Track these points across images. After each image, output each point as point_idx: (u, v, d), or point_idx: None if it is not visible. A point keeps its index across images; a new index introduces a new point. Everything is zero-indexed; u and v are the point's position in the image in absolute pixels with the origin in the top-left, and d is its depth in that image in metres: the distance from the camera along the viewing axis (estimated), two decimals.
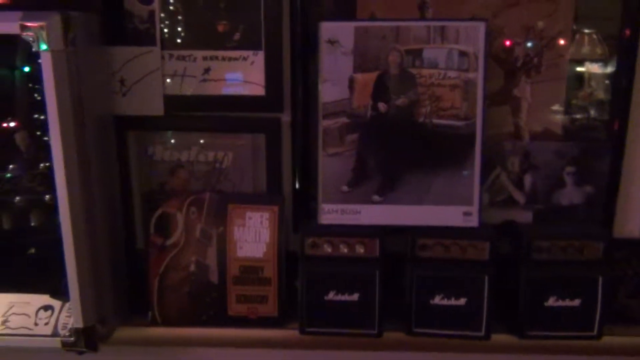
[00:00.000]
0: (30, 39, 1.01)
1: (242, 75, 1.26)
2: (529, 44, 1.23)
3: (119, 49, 1.25)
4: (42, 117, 1.12)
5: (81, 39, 1.10)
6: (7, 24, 1.00)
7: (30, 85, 1.13)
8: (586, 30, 1.24)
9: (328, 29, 1.21)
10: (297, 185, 1.30)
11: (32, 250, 1.22)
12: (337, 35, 1.21)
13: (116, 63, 1.26)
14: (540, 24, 1.22)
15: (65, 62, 1.04)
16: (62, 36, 1.03)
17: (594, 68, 1.27)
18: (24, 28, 1.00)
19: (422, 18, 1.21)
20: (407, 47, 1.20)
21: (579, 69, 1.26)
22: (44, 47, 0.99)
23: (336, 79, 1.22)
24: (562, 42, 1.24)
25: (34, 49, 0.99)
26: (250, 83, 1.27)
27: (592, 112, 1.28)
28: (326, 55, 1.21)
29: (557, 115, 1.28)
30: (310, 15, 1.21)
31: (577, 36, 1.24)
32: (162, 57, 1.25)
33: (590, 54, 1.26)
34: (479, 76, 1.20)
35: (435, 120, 1.23)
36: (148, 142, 1.32)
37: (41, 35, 1.01)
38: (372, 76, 1.22)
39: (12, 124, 1.16)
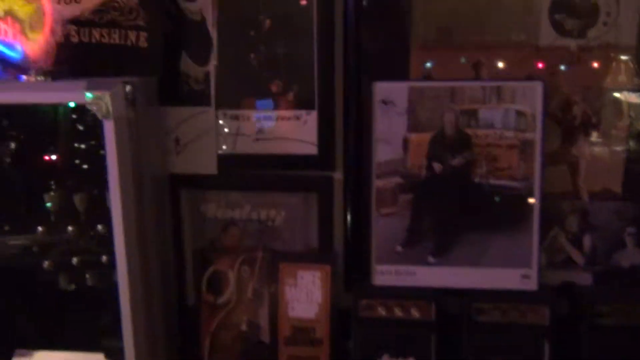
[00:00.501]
0: (95, 107, 1.03)
1: (295, 134, 1.28)
2: (587, 103, 1.22)
3: (174, 110, 1.27)
4: (101, 179, 1.15)
5: (140, 102, 1.13)
6: (72, 94, 1.03)
7: (91, 148, 1.16)
8: None
9: (382, 89, 1.20)
10: (349, 244, 1.29)
11: (87, 310, 1.23)
12: (391, 96, 1.20)
13: (171, 123, 1.27)
14: (599, 82, 1.22)
15: (127, 128, 1.05)
16: (125, 104, 1.05)
17: None
18: (88, 98, 1.02)
19: (477, 78, 1.20)
20: (462, 107, 1.18)
21: None
22: (107, 115, 1.01)
23: (390, 138, 1.20)
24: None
25: (98, 117, 1.02)
26: (303, 142, 1.27)
27: None
28: (380, 115, 1.20)
29: (616, 175, 1.25)
30: (364, 76, 1.22)
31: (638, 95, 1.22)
32: (217, 117, 1.28)
33: None
34: (537, 136, 1.17)
35: (492, 181, 1.19)
36: (201, 200, 1.32)
37: (105, 104, 1.03)
38: (426, 136, 1.20)
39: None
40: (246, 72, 1.24)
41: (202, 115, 1.27)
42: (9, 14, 1.16)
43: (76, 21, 1.18)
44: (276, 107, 1.24)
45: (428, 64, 1.20)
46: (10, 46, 1.18)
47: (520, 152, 1.18)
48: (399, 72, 1.20)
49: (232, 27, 1.22)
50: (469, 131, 1.18)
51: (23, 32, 1.17)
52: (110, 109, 1.01)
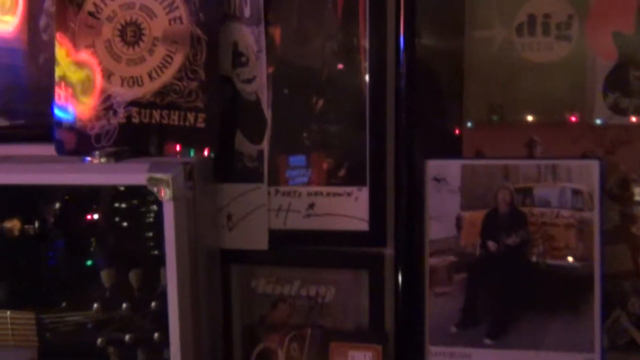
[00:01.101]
0: (156, 189, 1.05)
1: (346, 211, 1.27)
2: None
3: (228, 186, 1.28)
4: (157, 256, 1.15)
5: (198, 181, 1.15)
6: (134, 176, 1.05)
7: (148, 228, 1.18)
8: None
9: (434, 167, 1.20)
10: (401, 324, 1.24)
11: None
12: (443, 173, 1.19)
13: (224, 199, 1.28)
14: None
15: (185, 208, 1.07)
16: (184, 185, 1.07)
17: None
18: (150, 180, 1.05)
19: (531, 156, 1.19)
20: (516, 186, 1.16)
21: None
22: (168, 197, 1.03)
23: (443, 216, 1.19)
24: None
25: (158, 199, 1.04)
26: (354, 218, 1.26)
27: None
28: (432, 193, 1.19)
29: None
30: (416, 153, 1.23)
31: None
32: (269, 193, 1.30)
33: None
34: (595, 215, 1.14)
35: (549, 261, 1.15)
36: (251, 276, 1.31)
37: (166, 187, 1.05)
38: (480, 214, 1.18)
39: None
40: (299, 149, 1.26)
41: (255, 191, 1.28)
42: (63, 79, 1.24)
43: (138, 103, 1.24)
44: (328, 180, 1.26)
45: (480, 142, 1.22)
46: (63, 109, 1.25)
47: (578, 232, 1.14)
48: (451, 150, 1.20)
49: (286, 107, 1.26)
50: (524, 209, 1.16)
51: (75, 96, 1.24)
52: (171, 191, 1.03)
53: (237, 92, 1.25)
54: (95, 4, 1.25)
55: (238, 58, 1.25)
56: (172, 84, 1.22)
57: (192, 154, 1.20)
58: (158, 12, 1.23)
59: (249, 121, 1.26)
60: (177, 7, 1.22)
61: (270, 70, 1.24)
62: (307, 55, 1.23)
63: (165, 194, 1.04)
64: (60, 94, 1.25)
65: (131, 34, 1.23)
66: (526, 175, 1.16)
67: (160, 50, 1.22)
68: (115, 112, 1.25)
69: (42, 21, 1.34)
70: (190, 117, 1.22)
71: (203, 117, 1.21)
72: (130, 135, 1.24)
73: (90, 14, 1.25)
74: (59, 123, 1.25)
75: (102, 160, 1.12)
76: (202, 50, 1.21)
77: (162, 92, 1.22)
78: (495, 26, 1.19)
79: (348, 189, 1.26)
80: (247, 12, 1.23)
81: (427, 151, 1.19)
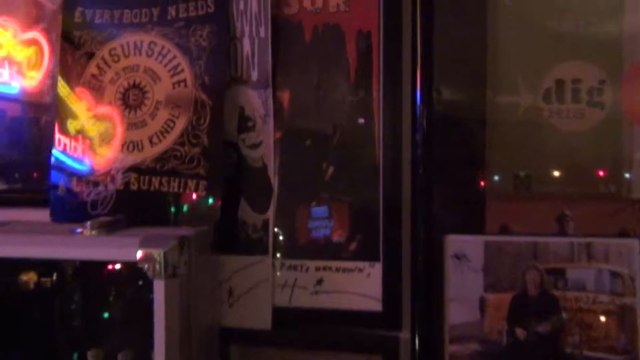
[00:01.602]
0: (146, 266, 0.97)
1: (358, 288, 1.16)
2: None
3: (229, 258, 1.18)
4: (147, 335, 1.05)
5: (194, 255, 1.05)
6: (124, 251, 0.95)
7: (138, 303, 1.09)
8: None
9: (454, 242, 1.08)
10: None
11: None
12: (464, 250, 1.08)
13: (225, 272, 1.18)
14: None
15: (178, 286, 0.97)
16: (178, 261, 0.98)
17: None
18: (140, 256, 0.96)
19: (563, 233, 1.08)
20: (547, 266, 1.04)
21: None
22: (158, 276, 0.93)
23: (464, 298, 1.06)
24: None
25: (149, 277, 0.95)
26: (366, 297, 1.13)
27: None
28: (453, 272, 1.07)
29: None
30: (434, 227, 1.12)
31: None
32: (273, 267, 1.19)
33: None
34: (638, 302, 1.02)
35: (587, 353, 1.01)
36: (252, 358, 1.20)
37: (158, 264, 0.96)
38: (506, 297, 1.05)
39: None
40: (306, 220, 1.16)
41: (258, 264, 1.18)
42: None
43: (137, 169, 1.17)
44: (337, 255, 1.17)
45: (505, 215, 1.11)
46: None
47: (618, 320, 1.00)
48: (473, 224, 1.09)
49: (294, 174, 1.17)
50: (557, 293, 1.03)
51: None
52: (163, 269, 0.94)
53: (243, 158, 1.18)
54: (98, 66, 1.21)
55: (244, 123, 1.18)
56: (173, 150, 1.14)
57: (211, 201, 1.12)
58: (162, 75, 1.16)
59: (254, 189, 1.17)
60: (182, 70, 1.16)
61: (278, 135, 1.16)
62: (317, 119, 1.15)
63: (156, 271, 0.95)
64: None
65: (133, 97, 1.18)
66: (558, 254, 1.03)
67: (163, 115, 1.15)
68: (112, 178, 1.19)
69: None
70: (191, 184, 1.15)
71: (204, 184, 1.13)
72: (128, 203, 1.17)
73: (94, 76, 1.22)
74: (55, 186, 1.18)
75: (93, 232, 1.04)
76: (206, 115, 1.14)
77: (163, 157, 1.15)
78: (520, 91, 1.11)
79: (360, 264, 1.15)
80: (254, 76, 1.17)
81: (447, 225, 1.10)
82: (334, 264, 1.16)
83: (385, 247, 1.12)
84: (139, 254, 0.96)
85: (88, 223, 1.05)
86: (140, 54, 1.18)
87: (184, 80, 1.16)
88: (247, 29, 1.16)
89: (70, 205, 1.18)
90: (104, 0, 1.21)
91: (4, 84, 1.30)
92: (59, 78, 1.21)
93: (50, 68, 1.28)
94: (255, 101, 1.17)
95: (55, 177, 1.20)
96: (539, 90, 1.11)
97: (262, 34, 1.15)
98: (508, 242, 1.06)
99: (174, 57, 1.16)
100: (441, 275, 1.07)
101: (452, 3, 1.12)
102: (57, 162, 1.20)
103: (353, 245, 1.15)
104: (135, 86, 1.18)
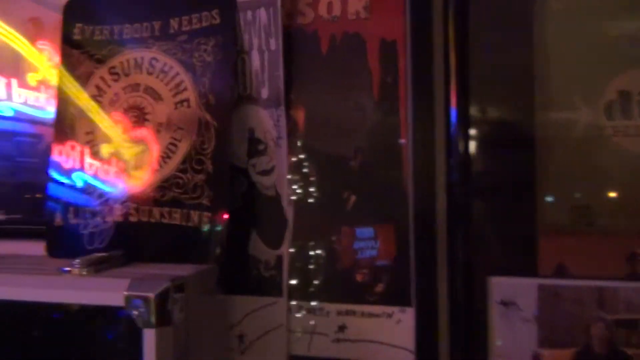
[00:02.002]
0: (135, 312, 0.85)
1: (386, 337, 1.00)
2: None
3: (239, 300, 1.03)
4: None
5: (194, 297, 0.90)
6: (111, 294, 0.82)
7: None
8: None
9: (501, 286, 0.90)
10: None
11: None
12: (513, 295, 0.90)
13: (235, 316, 1.03)
14: None
15: (172, 335, 0.84)
16: (172, 307, 0.84)
17: None
18: (128, 301, 0.84)
19: (635, 276, 0.89)
20: (616, 317, 0.86)
21: None
22: (147, 324, 0.81)
23: (513, 353, 0.88)
24: None
25: (137, 325, 0.83)
26: (396, 347, 0.96)
27: None
28: (499, 321, 0.89)
29: None
30: (475, 266, 0.96)
31: None
32: (289, 310, 1.05)
33: None
34: None
35: None
36: None
37: (147, 310, 0.83)
38: (566, 354, 0.86)
39: None
40: (326, 257, 1.01)
41: (272, 307, 1.03)
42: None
43: (137, 199, 1.05)
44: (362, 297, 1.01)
45: (562, 254, 0.94)
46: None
47: None
48: (523, 264, 0.91)
49: (311, 204, 1.02)
50: (629, 351, 0.85)
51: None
52: (153, 317, 0.81)
53: (253, 186, 1.05)
54: (97, 87, 1.11)
55: (254, 146, 1.04)
56: (175, 177, 1.02)
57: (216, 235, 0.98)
58: (164, 95, 1.04)
59: (266, 221, 1.03)
60: (185, 89, 1.03)
61: (292, 159, 1.03)
62: (336, 141, 1.01)
63: (145, 318, 0.82)
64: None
65: (133, 119, 1.07)
66: (630, 302, 0.85)
67: (165, 138, 1.04)
68: (111, 209, 1.08)
69: None
70: (194, 216, 1.02)
71: (209, 216, 1.01)
72: (127, 236, 1.04)
73: (92, 97, 1.11)
74: (51, 215, 1.06)
75: (83, 271, 0.92)
76: (211, 138, 1.01)
77: (164, 186, 1.03)
78: (576, 106, 0.93)
79: (388, 309, 0.99)
80: (264, 93, 1.03)
81: (491, 264, 0.93)
82: (358, 307, 0.99)
83: (417, 289, 0.96)
84: (125, 299, 0.85)
85: (78, 260, 0.94)
86: (141, 71, 1.06)
87: (187, 100, 1.03)
88: (256, 42, 1.03)
89: (67, 239, 1.08)
90: (104, 16, 1.10)
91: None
92: (57, 98, 1.14)
93: None
94: (267, 122, 1.04)
95: (51, 207, 1.11)
96: (598, 104, 0.92)
97: (272, 46, 1.02)
98: (567, 287, 0.87)
99: (177, 74, 1.04)
100: (485, 325, 0.90)
101: (491, 5, 0.98)
102: (54, 190, 1.12)
103: (380, 287, 1.01)
104: (135, 107, 1.08)
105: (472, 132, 0.93)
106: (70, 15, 1.13)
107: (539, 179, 0.92)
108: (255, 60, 1.03)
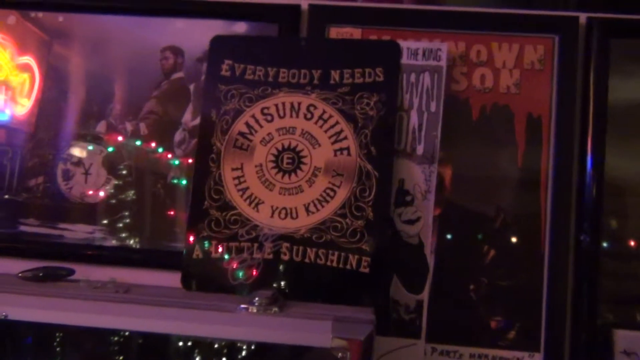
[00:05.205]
0: (340, 355, 0.86)
1: None
2: None
3: (378, 340, 1.09)
4: None
5: None
6: (313, 335, 0.83)
7: None
8: None
9: (624, 339, 1.05)
10: None
11: None
12: (637, 347, 1.06)
13: (373, 355, 1.11)
14: None
15: None
16: (372, 351, 0.87)
17: None
18: (335, 343, 0.86)
19: None
20: None
21: None
22: None
23: None
24: None
25: None
26: None
27: None
28: None
29: None
30: (600, 318, 1.07)
31: None
32: (425, 353, 1.10)
33: None
34: None
35: None
36: None
37: (351, 354, 0.83)
38: None
39: None
40: (463, 304, 1.08)
41: (409, 349, 1.09)
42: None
43: (290, 238, 1.06)
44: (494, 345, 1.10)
45: None
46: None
47: None
48: None
49: (452, 255, 1.10)
50: None
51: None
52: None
53: (398, 234, 1.12)
54: (248, 124, 1.11)
55: (402, 197, 1.10)
56: (333, 220, 1.05)
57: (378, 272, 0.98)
58: (322, 141, 1.07)
59: (408, 267, 1.09)
60: (345, 138, 1.07)
61: (437, 212, 1.11)
62: (480, 200, 1.09)
63: None
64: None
65: (288, 161, 1.10)
66: None
67: (322, 182, 1.06)
68: (261, 246, 1.08)
69: (178, 136, 1.21)
70: (353, 259, 1.06)
71: (368, 261, 1.05)
72: (276, 275, 1.06)
73: (241, 134, 1.12)
74: (190, 247, 1.04)
75: (260, 310, 0.92)
76: (372, 187, 1.05)
77: (320, 228, 1.05)
78: None
79: (518, 353, 1.08)
80: (419, 150, 1.10)
81: (616, 318, 1.05)
82: (491, 352, 1.07)
83: (546, 336, 1.06)
84: (332, 341, 0.86)
85: (256, 299, 0.94)
86: (297, 116, 1.09)
87: (347, 148, 1.07)
88: (416, 102, 1.10)
89: (207, 272, 1.06)
90: (257, 56, 1.11)
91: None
92: (200, 133, 1.13)
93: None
94: (418, 176, 1.10)
95: (190, 239, 1.08)
96: None
97: (432, 108, 1.09)
98: None
99: (336, 122, 1.08)
100: None
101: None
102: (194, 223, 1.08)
103: (512, 334, 1.10)
104: (290, 149, 1.10)
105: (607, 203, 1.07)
106: (217, 50, 1.13)
107: None
108: (413, 119, 1.09)
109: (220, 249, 1.06)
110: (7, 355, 0.99)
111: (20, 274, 1.04)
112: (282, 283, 1.03)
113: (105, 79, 1.20)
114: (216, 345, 0.93)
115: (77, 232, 1.17)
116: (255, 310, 0.91)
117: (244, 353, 0.93)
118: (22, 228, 1.18)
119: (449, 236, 1.09)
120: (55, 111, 1.21)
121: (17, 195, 1.17)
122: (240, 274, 1.05)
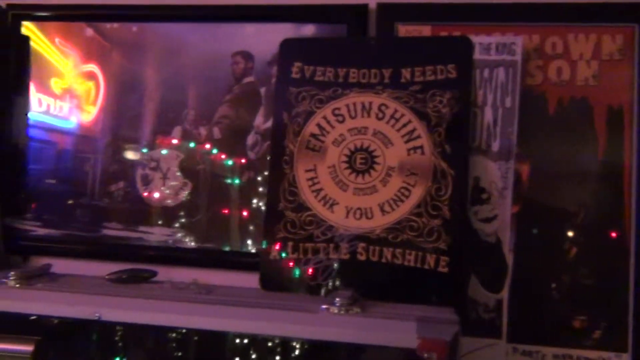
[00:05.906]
0: (426, 356, 0.86)
1: None
2: None
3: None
4: None
5: None
6: (400, 336, 0.82)
7: None
8: None
9: None
10: None
11: None
12: None
13: None
14: None
15: None
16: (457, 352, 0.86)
17: None
18: (421, 344, 0.85)
19: None
20: None
21: None
22: None
23: None
24: None
25: None
26: None
27: None
28: None
29: None
30: None
31: None
32: (507, 353, 1.07)
33: None
34: None
35: None
36: None
37: (437, 354, 0.83)
38: None
39: None
40: (545, 303, 1.05)
41: (490, 348, 1.05)
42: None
43: (366, 238, 1.04)
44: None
45: None
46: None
47: None
48: None
49: (532, 253, 1.06)
50: None
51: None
52: None
53: (474, 232, 1.09)
54: (320, 126, 1.11)
55: (478, 194, 1.07)
56: (409, 220, 1.04)
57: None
58: (395, 140, 1.06)
59: (486, 266, 1.06)
60: (419, 137, 1.06)
61: (515, 209, 1.07)
62: (560, 196, 1.06)
63: None
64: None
65: (361, 161, 1.09)
66: None
67: (396, 182, 1.05)
68: (337, 247, 1.08)
69: (251, 139, 1.23)
70: (430, 259, 1.05)
71: (446, 260, 1.03)
72: (353, 275, 1.04)
73: (313, 136, 1.13)
74: (267, 248, 1.04)
75: (342, 311, 0.91)
76: (447, 185, 1.03)
77: (396, 228, 1.04)
78: None
79: (604, 354, 1.04)
80: (495, 146, 1.07)
81: None
82: (575, 352, 1.04)
83: (634, 336, 1.03)
84: (419, 342, 0.86)
85: (337, 299, 0.94)
86: (368, 115, 1.08)
87: (421, 147, 1.06)
88: (490, 98, 1.07)
89: (284, 273, 1.06)
90: (327, 58, 1.11)
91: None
92: (272, 136, 1.14)
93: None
94: (494, 173, 1.07)
95: (267, 240, 1.09)
96: None
97: (508, 104, 1.06)
98: None
99: (409, 121, 1.07)
100: None
101: None
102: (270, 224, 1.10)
103: (597, 333, 1.06)
104: (363, 149, 1.10)
105: None
106: (287, 53, 1.14)
107: None
108: (488, 115, 1.07)
109: (296, 250, 1.08)
110: (97, 355, 1.04)
111: (106, 276, 1.09)
112: (360, 283, 1.05)
113: (179, 86, 1.23)
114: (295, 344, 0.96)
115: (155, 234, 1.22)
116: (336, 311, 0.92)
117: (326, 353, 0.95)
118: (105, 232, 1.25)
119: (528, 234, 1.07)
120: (131, 118, 1.26)
121: (100, 201, 1.24)
122: (317, 274, 1.07)
